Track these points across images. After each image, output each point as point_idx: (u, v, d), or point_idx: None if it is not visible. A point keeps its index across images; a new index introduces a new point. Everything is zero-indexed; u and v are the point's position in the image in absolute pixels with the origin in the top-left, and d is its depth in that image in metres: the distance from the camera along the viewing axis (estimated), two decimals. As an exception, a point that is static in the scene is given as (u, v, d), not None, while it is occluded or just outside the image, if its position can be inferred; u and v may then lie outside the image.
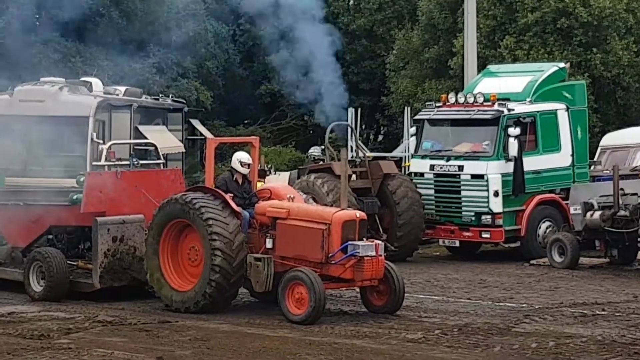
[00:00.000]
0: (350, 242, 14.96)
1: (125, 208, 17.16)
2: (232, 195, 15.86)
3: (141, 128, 23.81)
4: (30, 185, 20.04)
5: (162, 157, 21.28)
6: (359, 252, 14.88)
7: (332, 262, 15.00)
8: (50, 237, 18.10)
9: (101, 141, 22.11)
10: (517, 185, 21.53)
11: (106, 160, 20.47)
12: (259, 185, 17.13)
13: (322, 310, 14.72)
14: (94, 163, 20.72)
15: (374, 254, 14.98)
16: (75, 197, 17.32)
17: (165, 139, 23.97)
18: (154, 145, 21.51)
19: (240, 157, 16.38)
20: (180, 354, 12.67)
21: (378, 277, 15.17)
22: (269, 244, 15.52)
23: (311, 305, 14.54)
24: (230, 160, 16.66)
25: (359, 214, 15.43)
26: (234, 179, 16.27)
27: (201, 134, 30.34)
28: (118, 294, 16.71)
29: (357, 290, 16.40)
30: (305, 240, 15.18)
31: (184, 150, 25.39)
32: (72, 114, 22.25)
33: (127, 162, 20.36)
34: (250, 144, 16.99)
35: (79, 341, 13.47)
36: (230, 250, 15.26)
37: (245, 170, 16.32)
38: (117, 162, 20.63)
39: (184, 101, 27.37)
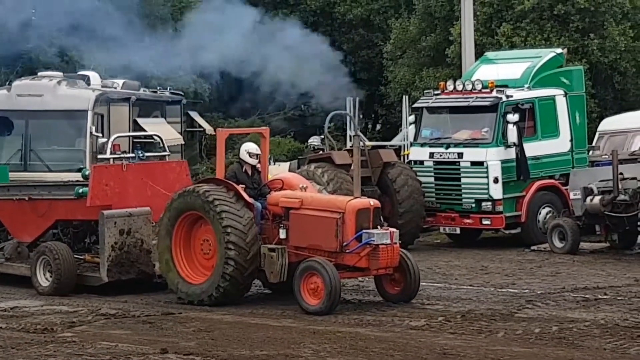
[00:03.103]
0: (364, 231, 14.85)
1: (131, 201, 17.09)
2: (243, 186, 15.77)
3: (140, 121, 23.85)
4: (34, 180, 20.04)
5: (167, 149, 21.23)
6: (373, 241, 14.77)
7: (347, 251, 14.90)
8: (55, 231, 18.02)
9: (100, 134, 22.16)
10: (522, 170, 21.54)
11: (111, 153, 20.44)
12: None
13: (338, 300, 14.66)
14: (100, 156, 20.70)
15: (389, 241, 14.89)
16: (80, 190, 17.25)
17: (164, 131, 23.97)
18: (159, 137, 21.49)
19: (248, 147, 16.25)
20: (184, 345, 12.69)
21: (393, 265, 15.06)
22: (282, 234, 15.42)
23: (327, 295, 14.45)
24: (238, 152, 16.55)
25: (373, 202, 15.33)
26: (244, 170, 16.14)
27: (200, 126, 30.38)
28: (121, 287, 16.69)
29: (360, 279, 16.45)
30: (319, 229, 15.08)
31: (183, 143, 25.40)
32: (71, 107, 22.30)
33: (132, 155, 20.32)
34: (261, 134, 16.86)
35: (82, 334, 13.49)
36: (244, 260, 15.18)
37: (253, 161, 16.19)
38: (122, 155, 20.60)
39: (182, 93, 27.36)
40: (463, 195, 22.02)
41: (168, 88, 26.76)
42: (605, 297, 15.65)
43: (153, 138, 22.52)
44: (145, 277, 16.86)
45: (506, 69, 23.20)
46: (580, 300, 15.34)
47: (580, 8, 29.17)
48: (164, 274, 16.07)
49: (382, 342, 12.61)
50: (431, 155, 22.50)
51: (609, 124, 25.18)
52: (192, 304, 15.50)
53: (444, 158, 22.27)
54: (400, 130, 29.80)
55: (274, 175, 16.90)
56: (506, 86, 22.34)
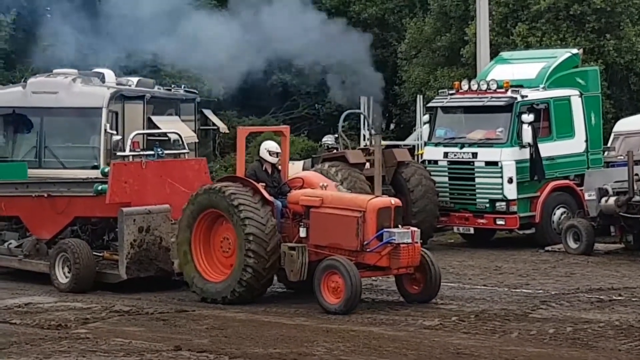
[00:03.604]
0: (385, 230, 14.76)
1: (150, 198, 17.02)
2: (263, 185, 15.70)
3: (154, 119, 23.89)
4: (51, 177, 20.06)
5: (186, 147, 21.21)
6: (395, 240, 14.67)
7: (368, 250, 14.82)
8: (74, 228, 17.99)
9: (115, 132, 22.19)
10: (537, 170, 21.47)
11: (130, 150, 20.45)
12: None
13: (359, 299, 14.61)
14: (119, 153, 20.71)
15: (410, 241, 14.78)
16: (100, 187, 17.22)
17: (178, 129, 24.05)
18: (179, 135, 21.50)
19: (268, 146, 16.17)
20: (197, 342, 12.70)
21: (414, 264, 14.96)
22: (302, 233, 15.33)
23: (347, 294, 14.39)
24: (253, 150, 16.51)
25: (394, 200, 15.23)
26: (264, 168, 16.08)
27: (214, 124, 30.37)
28: (135, 284, 16.68)
29: (374, 278, 16.43)
30: (339, 228, 15.00)
31: (197, 141, 25.42)
32: (85, 105, 22.35)
33: (152, 153, 20.34)
34: (281, 133, 16.78)
35: (96, 331, 13.51)
36: (262, 269, 15.15)
37: (274, 159, 16.12)
38: (141, 153, 20.61)
39: (196, 91, 27.37)
40: (477, 195, 21.96)
41: (182, 86, 26.79)
42: (619, 298, 15.61)
43: (169, 136, 22.57)
44: (164, 274, 16.82)
45: (521, 69, 23.14)
46: (595, 301, 15.30)
47: (596, 8, 29.08)
48: (180, 267, 16.04)
49: (396, 341, 12.59)
50: (445, 154, 22.46)
51: (624, 124, 25.12)
52: (205, 301, 15.50)
53: (458, 158, 22.23)
54: (415, 129, 29.76)
55: (294, 174, 16.84)
56: (521, 86, 22.28)
